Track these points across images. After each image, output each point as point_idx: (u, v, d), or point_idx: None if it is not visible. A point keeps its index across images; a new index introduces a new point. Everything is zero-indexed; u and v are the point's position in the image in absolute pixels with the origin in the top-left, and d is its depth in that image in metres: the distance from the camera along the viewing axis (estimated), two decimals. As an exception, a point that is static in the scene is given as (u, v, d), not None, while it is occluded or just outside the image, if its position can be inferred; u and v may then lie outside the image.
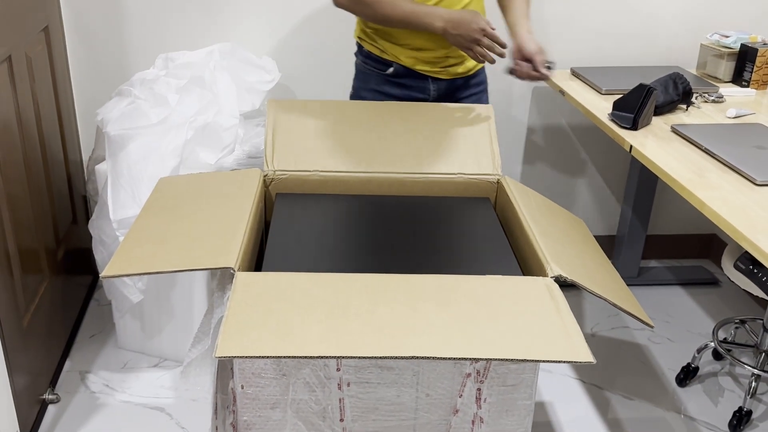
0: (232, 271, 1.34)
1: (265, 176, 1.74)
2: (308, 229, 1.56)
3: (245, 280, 1.32)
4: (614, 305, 1.42)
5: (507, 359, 1.18)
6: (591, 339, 2.48)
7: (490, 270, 1.45)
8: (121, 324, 2.22)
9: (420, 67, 1.93)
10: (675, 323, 2.57)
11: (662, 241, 2.99)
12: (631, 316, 1.45)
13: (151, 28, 2.41)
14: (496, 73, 2.65)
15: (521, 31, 1.84)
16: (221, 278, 1.46)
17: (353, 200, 1.70)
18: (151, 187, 1.86)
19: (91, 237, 2.09)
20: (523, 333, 1.22)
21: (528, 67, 1.81)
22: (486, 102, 2.10)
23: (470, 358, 1.17)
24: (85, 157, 2.49)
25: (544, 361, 1.19)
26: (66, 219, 2.28)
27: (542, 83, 2.68)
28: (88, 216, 2.50)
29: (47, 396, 2.04)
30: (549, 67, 1.82)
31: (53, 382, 2.11)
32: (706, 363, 2.35)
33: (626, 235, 2.75)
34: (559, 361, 1.19)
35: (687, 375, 2.24)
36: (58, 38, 2.25)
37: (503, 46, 1.76)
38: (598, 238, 2.88)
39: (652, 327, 1.48)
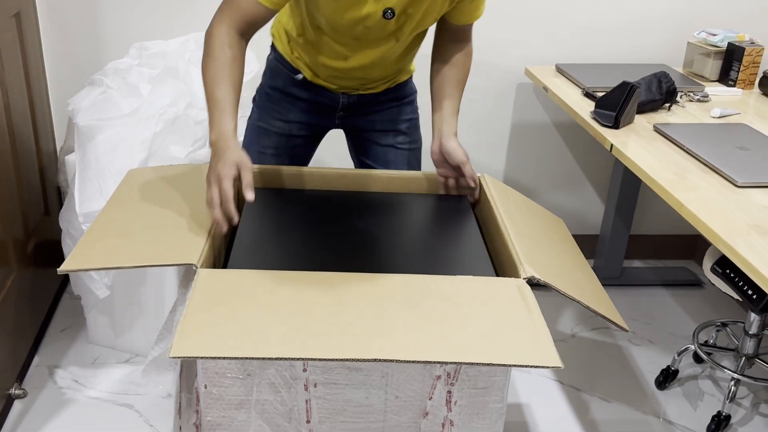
0: (194, 267, 1.30)
1: (237, 170, 1.70)
2: (278, 225, 1.52)
3: (207, 277, 1.28)
4: (588, 308, 1.39)
5: (473, 363, 1.14)
6: (571, 339, 2.45)
7: (463, 270, 1.42)
8: (91, 319, 2.17)
9: (326, 84, 1.76)
10: (656, 325, 2.54)
11: (646, 241, 2.96)
12: (606, 319, 1.42)
13: (127, 15, 2.36)
14: (477, 65, 2.62)
15: (449, 132, 1.62)
16: (185, 275, 1.42)
17: (327, 196, 1.66)
18: (117, 181, 1.81)
19: (63, 229, 2.05)
20: (491, 336, 1.19)
21: (451, 173, 1.64)
22: (411, 114, 1.85)
23: (434, 362, 1.14)
24: (59, 147, 2.45)
25: (510, 366, 1.16)
26: (37, 210, 2.23)
27: (526, 79, 2.64)
28: (61, 207, 2.45)
29: (14, 391, 1.99)
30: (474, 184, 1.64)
31: (20, 377, 2.07)
32: (686, 366, 2.33)
33: (609, 235, 2.72)
34: (527, 366, 1.16)
35: (666, 378, 2.21)
36: (30, 25, 2.19)
37: (230, 218, 1.36)
38: (580, 237, 2.84)
39: (626, 330, 1.44)
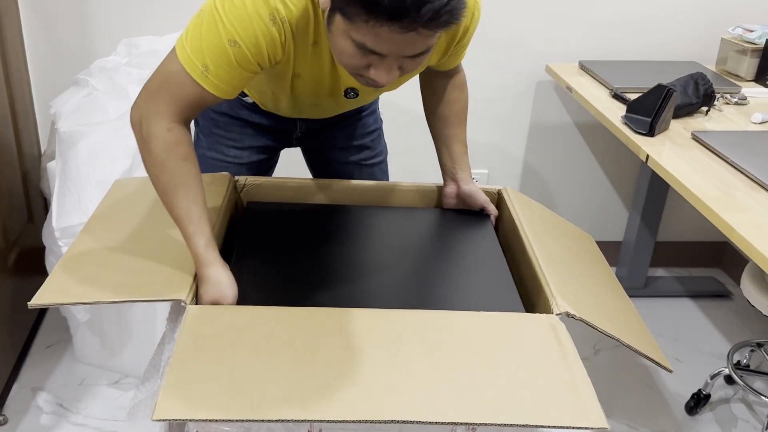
0: (182, 304, 1.15)
1: (236, 182, 1.54)
2: (280, 247, 1.36)
3: (197, 316, 1.13)
4: (629, 347, 1.24)
5: (503, 424, 0.99)
6: (594, 356, 2.29)
7: (487, 301, 1.26)
8: (79, 336, 2.01)
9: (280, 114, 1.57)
10: (684, 341, 2.38)
11: (670, 248, 2.80)
12: (648, 358, 1.27)
13: (118, 7, 2.18)
14: (495, 62, 2.45)
15: (464, 177, 1.49)
16: (174, 307, 1.27)
17: (334, 211, 1.50)
18: (98, 193, 1.64)
19: (49, 238, 1.88)
20: (523, 388, 1.03)
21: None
22: (374, 124, 1.66)
23: (459, 423, 0.98)
24: (43, 150, 2.27)
25: (547, 427, 1.00)
26: (20, 218, 2.07)
27: (546, 77, 2.47)
28: (46, 215, 2.29)
29: (-7, 417, 1.84)
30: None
31: (1, 401, 1.91)
32: (718, 387, 2.16)
33: (634, 242, 2.55)
34: (566, 428, 1.00)
35: (698, 403, 2.05)
36: (11, 17, 2.02)
37: None
38: (602, 243, 2.67)
39: (671, 371, 1.29)
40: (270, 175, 1.71)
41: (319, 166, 1.70)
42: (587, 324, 1.20)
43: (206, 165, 1.55)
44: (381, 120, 1.70)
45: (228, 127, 1.55)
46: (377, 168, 1.69)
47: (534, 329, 1.16)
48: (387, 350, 1.07)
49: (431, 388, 1.01)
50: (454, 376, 1.04)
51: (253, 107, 1.53)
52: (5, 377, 1.95)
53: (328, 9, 1.07)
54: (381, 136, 1.70)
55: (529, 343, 1.13)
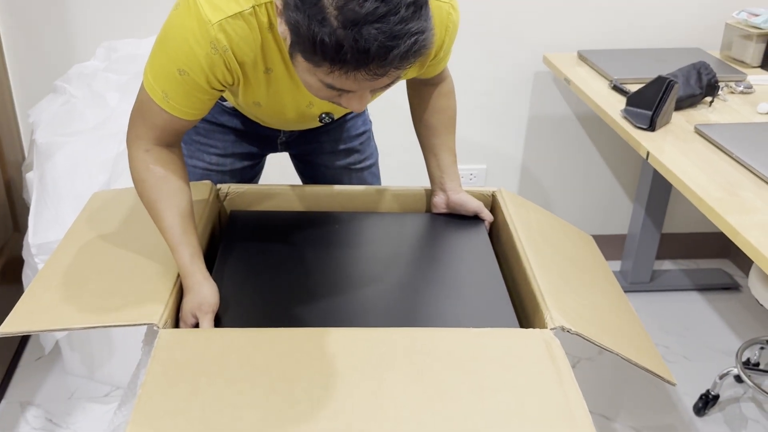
0: (155, 327, 1.09)
1: (218, 190, 1.48)
2: (262, 260, 1.30)
3: (170, 340, 1.07)
4: (628, 360, 1.18)
5: (493, 457, 0.93)
6: (598, 356, 2.23)
7: (479, 314, 1.20)
8: (67, 348, 1.96)
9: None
10: (692, 337, 2.31)
11: (677, 239, 2.72)
12: (649, 372, 1.20)
13: (100, 8, 2.11)
14: (491, 53, 2.37)
15: (453, 186, 1.44)
16: (149, 329, 1.21)
17: (322, 219, 1.44)
18: (76, 207, 1.58)
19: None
20: (514, 415, 0.97)
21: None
22: (363, 126, 1.59)
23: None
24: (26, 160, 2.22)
25: (540, 458, 0.94)
26: (4, 227, 2.01)
27: (544, 67, 2.39)
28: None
29: (-19, 434, 1.80)
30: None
31: (-11, 417, 1.87)
32: (727, 386, 2.10)
33: (638, 235, 2.48)
34: (561, 458, 0.94)
35: (706, 404, 1.98)
36: (-11, 22, 1.96)
37: None
38: (606, 237, 2.62)
39: (674, 384, 1.22)
40: (256, 182, 1.65)
41: (307, 171, 1.64)
42: (584, 338, 1.14)
43: (190, 175, 1.51)
44: (370, 122, 1.63)
45: (209, 133, 1.49)
46: (367, 172, 1.63)
47: (527, 347, 1.09)
48: (371, 376, 1.02)
49: (417, 419, 0.96)
50: (441, 406, 0.98)
51: (234, 111, 1.47)
52: (-7, 392, 1.91)
53: (288, 44, 1.00)
54: (370, 138, 1.63)
55: (522, 363, 1.06)
